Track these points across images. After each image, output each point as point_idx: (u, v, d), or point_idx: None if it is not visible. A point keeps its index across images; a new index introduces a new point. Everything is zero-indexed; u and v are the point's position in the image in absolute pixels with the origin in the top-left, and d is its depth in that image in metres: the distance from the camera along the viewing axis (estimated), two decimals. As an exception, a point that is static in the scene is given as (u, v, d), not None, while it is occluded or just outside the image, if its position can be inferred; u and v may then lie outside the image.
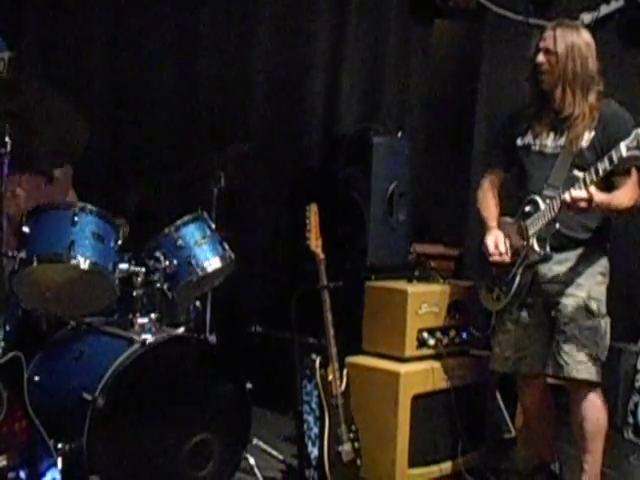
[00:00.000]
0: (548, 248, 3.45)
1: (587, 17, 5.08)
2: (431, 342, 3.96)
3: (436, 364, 3.96)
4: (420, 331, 3.93)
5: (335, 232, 4.40)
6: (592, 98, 3.45)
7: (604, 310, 3.51)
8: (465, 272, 5.04)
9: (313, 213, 3.80)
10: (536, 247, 3.46)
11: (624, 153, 3.18)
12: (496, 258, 3.57)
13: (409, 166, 4.72)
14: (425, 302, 3.95)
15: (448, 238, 5.31)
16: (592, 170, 3.27)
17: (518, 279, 3.52)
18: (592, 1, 5.14)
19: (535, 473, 3.82)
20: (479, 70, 5.32)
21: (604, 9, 5.12)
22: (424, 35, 5.49)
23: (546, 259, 3.47)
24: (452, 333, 4.06)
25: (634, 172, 3.41)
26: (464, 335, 4.10)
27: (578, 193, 3.27)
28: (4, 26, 4.61)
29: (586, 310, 3.46)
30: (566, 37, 3.45)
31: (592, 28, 4.97)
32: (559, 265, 3.50)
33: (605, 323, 3.51)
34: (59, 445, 3.16)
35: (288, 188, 5.10)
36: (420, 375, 3.89)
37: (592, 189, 3.26)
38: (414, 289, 3.98)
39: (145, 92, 4.94)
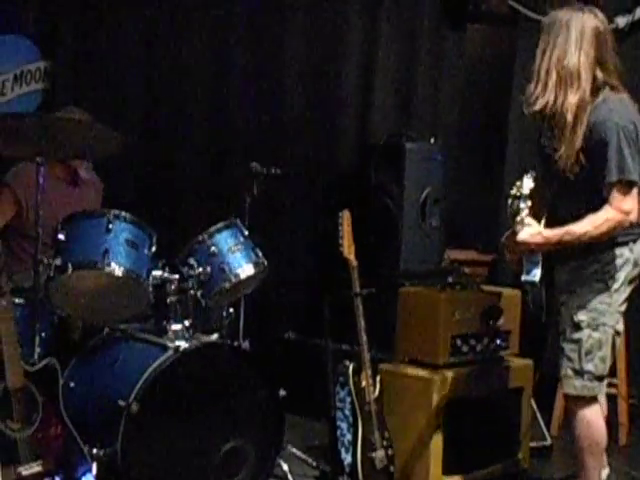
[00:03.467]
0: (534, 273, 3.27)
1: (622, 20, 5.04)
2: (464, 348, 3.93)
3: (470, 371, 3.93)
4: (453, 337, 3.91)
5: (368, 238, 4.40)
6: (573, 97, 3.14)
7: (602, 320, 3.26)
8: (499, 278, 5.01)
9: (346, 219, 3.80)
10: (523, 275, 3.32)
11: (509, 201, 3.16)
12: (507, 257, 3.45)
13: (442, 172, 4.72)
14: (458, 308, 3.92)
15: (481, 244, 5.29)
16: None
17: (530, 293, 3.36)
18: (627, 4, 5.10)
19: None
20: (512, 75, 5.29)
21: (639, 12, 5.07)
22: (457, 40, 5.48)
23: (534, 283, 3.31)
24: (486, 339, 4.02)
25: (621, 187, 3.14)
26: (498, 341, 4.07)
27: (503, 240, 3.26)
28: (40, 36, 4.67)
29: (572, 322, 3.30)
30: (549, 28, 3.21)
31: (627, 31, 4.96)
32: (566, 274, 3.36)
33: (599, 335, 3.26)
34: (94, 451, 3.18)
35: (321, 195, 5.10)
36: (454, 382, 3.86)
37: (525, 233, 3.16)
38: (447, 295, 3.96)
39: (179, 101, 4.97)
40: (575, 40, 3.15)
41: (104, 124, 3.37)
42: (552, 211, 3.36)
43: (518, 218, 3.16)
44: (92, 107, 4.19)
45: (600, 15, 3.23)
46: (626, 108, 3.21)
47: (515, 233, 3.19)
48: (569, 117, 3.15)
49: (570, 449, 3.82)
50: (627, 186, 3.14)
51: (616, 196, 3.14)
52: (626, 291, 3.32)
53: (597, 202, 3.19)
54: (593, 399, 3.33)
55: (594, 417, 3.34)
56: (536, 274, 3.28)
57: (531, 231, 3.19)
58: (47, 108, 4.56)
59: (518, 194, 3.13)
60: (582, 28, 3.16)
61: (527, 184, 3.14)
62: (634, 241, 3.30)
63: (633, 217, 3.17)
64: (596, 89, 3.19)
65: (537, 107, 3.20)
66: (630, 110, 3.21)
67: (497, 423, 4.03)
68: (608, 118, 3.14)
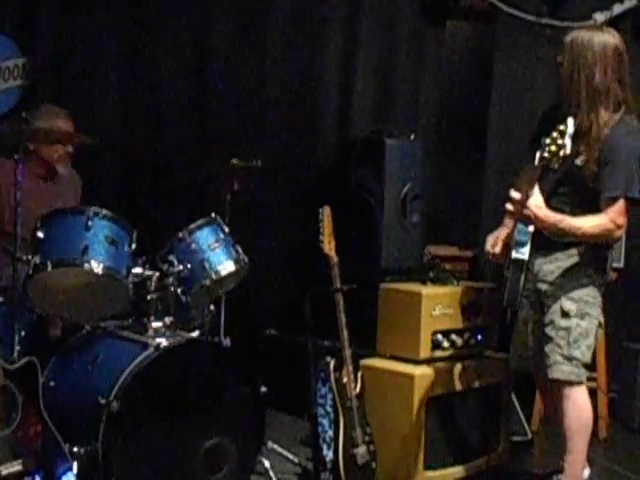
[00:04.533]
0: (526, 248, 3.38)
1: (600, 17, 5.06)
2: (445, 344, 3.95)
3: (450, 366, 3.94)
4: (434, 333, 3.92)
5: (349, 234, 4.40)
6: (604, 113, 3.35)
7: (588, 310, 3.47)
8: (479, 274, 5.03)
9: (326, 216, 3.80)
10: (513, 251, 3.41)
11: (535, 162, 3.20)
12: (489, 257, 3.61)
13: (422, 168, 4.72)
14: (439, 304, 3.94)
15: (462, 240, 5.30)
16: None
17: (509, 275, 3.46)
18: (605, 0, 5.12)
19: (552, 476, 3.79)
20: (492, 70, 5.31)
21: (617, 8, 5.10)
22: (436, 36, 5.48)
23: (523, 260, 3.40)
24: (466, 335, 4.04)
25: (621, 202, 3.35)
26: (479, 337, 4.09)
27: (515, 194, 3.29)
28: (18, 32, 4.64)
29: (561, 310, 3.46)
30: (572, 47, 3.37)
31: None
32: (549, 264, 3.52)
33: (586, 324, 3.46)
34: (74, 449, 3.16)
35: (302, 191, 5.09)
36: (434, 377, 3.87)
37: (535, 199, 3.25)
38: (428, 291, 3.97)
39: (158, 97, 4.95)
40: (599, 58, 3.33)
41: (81, 129, 3.36)
42: None
43: (561, 153, 3.16)
44: (70, 103, 4.17)
45: (617, 35, 3.42)
46: (638, 133, 3.40)
47: (528, 196, 3.26)
48: (605, 131, 3.34)
49: (551, 442, 3.86)
50: (629, 203, 3.36)
51: (615, 209, 3.35)
52: (603, 289, 3.53)
53: (593, 209, 3.38)
54: (580, 384, 3.48)
55: (583, 400, 3.50)
56: (525, 252, 3.38)
57: (538, 202, 3.29)
58: (26, 105, 4.53)
59: (561, 133, 3.16)
60: (604, 47, 3.35)
61: (571, 124, 3.18)
62: (612, 247, 3.53)
63: (620, 233, 3.41)
64: (616, 105, 3.38)
65: (573, 128, 3.32)
66: None
67: (478, 418, 4.05)
68: (625, 138, 3.35)
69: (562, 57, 3.42)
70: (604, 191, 3.36)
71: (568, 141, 3.16)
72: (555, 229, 3.36)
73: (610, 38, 3.39)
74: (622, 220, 3.37)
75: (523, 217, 3.33)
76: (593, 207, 3.39)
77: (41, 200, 3.77)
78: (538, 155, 3.20)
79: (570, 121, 3.18)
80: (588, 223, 3.35)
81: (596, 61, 3.34)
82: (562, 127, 3.15)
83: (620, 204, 3.35)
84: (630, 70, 4.03)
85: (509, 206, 3.35)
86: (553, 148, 3.15)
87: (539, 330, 3.57)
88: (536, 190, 3.29)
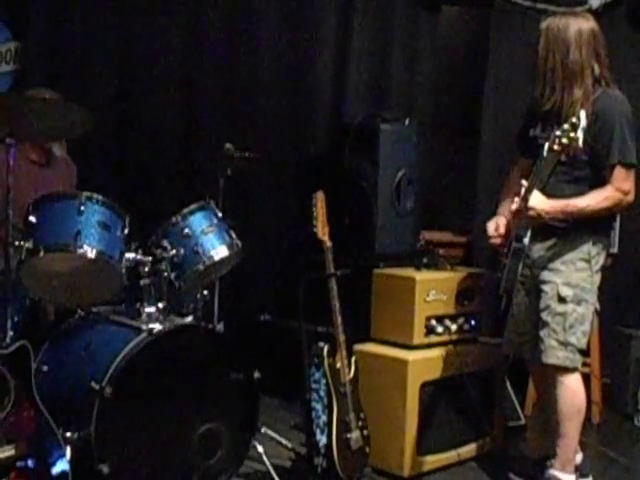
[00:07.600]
0: (526, 239, 3.43)
1: (595, 1, 5.05)
2: (439, 329, 3.95)
3: (444, 351, 3.94)
4: (428, 318, 3.93)
5: (342, 220, 4.40)
6: (578, 91, 3.40)
7: (584, 296, 3.50)
8: (473, 259, 5.03)
9: (320, 201, 3.78)
10: (513, 242, 3.45)
11: (544, 154, 3.24)
12: (493, 240, 3.61)
13: (417, 153, 4.71)
14: (433, 289, 3.93)
15: (456, 225, 5.30)
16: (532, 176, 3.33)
17: (508, 263, 3.50)
18: (601, -15, 5.11)
19: (545, 460, 3.80)
20: (487, 56, 5.29)
21: (612, -7, 5.08)
22: (431, 21, 5.45)
23: (522, 249, 3.45)
24: (460, 320, 4.05)
25: (619, 169, 3.40)
26: (472, 322, 4.09)
27: (514, 205, 3.36)
28: (11, 17, 4.61)
29: (558, 296, 3.48)
30: (548, 32, 3.44)
31: (601, 12, 4.96)
32: (545, 250, 3.54)
33: (582, 309, 3.50)
34: (67, 434, 3.16)
35: (296, 176, 5.08)
36: (428, 363, 3.88)
37: (535, 198, 3.30)
38: (422, 276, 3.97)
39: (151, 82, 4.94)
40: (574, 39, 3.40)
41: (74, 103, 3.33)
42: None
43: (573, 146, 3.22)
44: (63, 88, 4.15)
45: (592, 19, 3.49)
46: (624, 100, 3.48)
47: (527, 199, 3.32)
48: (577, 109, 3.35)
49: (544, 427, 3.87)
50: (627, 168, 3.41)
51: (617, 177, 3.40)
52: (599, 275, 3.56)
53: (596, 184, 3.43)
54: (575, 370, 3.51)
55: (577, 386, 3.53)
56: (525, 243, 3.43)
57: (539, 199, 3.34)
58: (19, 89, 4.51)
59: (573, 126, 3.21)
60: (579, 29, 3.42)
61: (583, 118, 3.23)
62: (612, 229, 3.61)
63: (631, 198, 3.44)
64: (595, 82, 3.44)
65: (548, 106, 3.44)
66: (626, 102, 3.49)
67: (471, 403, 4.05)
68: (612, 107, 3.42)
69: (537, 42, 3.47)
70: (602, 161, 3.41)
71: (580, 134, 3.21)
72: (563, 216, 3.40)
73: (584, 22, 3.46)
74: (628, 185, 3.42)
75: (529, 221, 3.38)
76: (593, 180, 3.44)
77: (37, 186, 3.75)
78: (547, 146, 3.23)
79: (582, 114, 3.23)
80: (594, 199, 3.40)
81: (571, 42, 3.41)
82: (574, 120, 3.19)
83: (619, 171, 3.40)
84: (624, 53, 4.04)
85: (511, 216, 3.43)
86: (565, 141, 3.20)
87: (534, 316, 3.58)
88: (535, 192, 3.33)
